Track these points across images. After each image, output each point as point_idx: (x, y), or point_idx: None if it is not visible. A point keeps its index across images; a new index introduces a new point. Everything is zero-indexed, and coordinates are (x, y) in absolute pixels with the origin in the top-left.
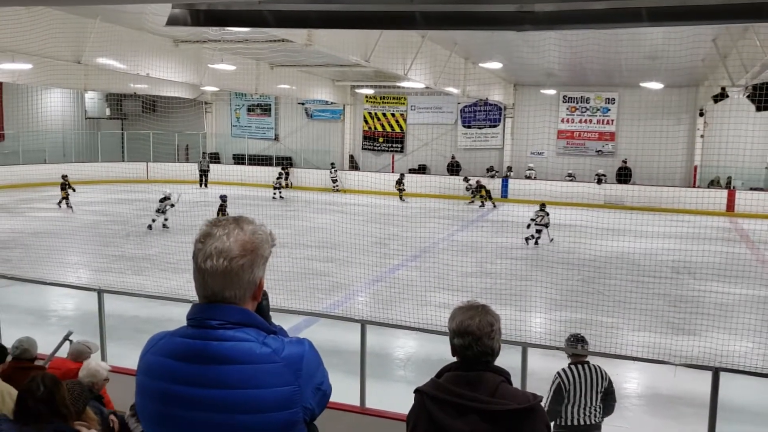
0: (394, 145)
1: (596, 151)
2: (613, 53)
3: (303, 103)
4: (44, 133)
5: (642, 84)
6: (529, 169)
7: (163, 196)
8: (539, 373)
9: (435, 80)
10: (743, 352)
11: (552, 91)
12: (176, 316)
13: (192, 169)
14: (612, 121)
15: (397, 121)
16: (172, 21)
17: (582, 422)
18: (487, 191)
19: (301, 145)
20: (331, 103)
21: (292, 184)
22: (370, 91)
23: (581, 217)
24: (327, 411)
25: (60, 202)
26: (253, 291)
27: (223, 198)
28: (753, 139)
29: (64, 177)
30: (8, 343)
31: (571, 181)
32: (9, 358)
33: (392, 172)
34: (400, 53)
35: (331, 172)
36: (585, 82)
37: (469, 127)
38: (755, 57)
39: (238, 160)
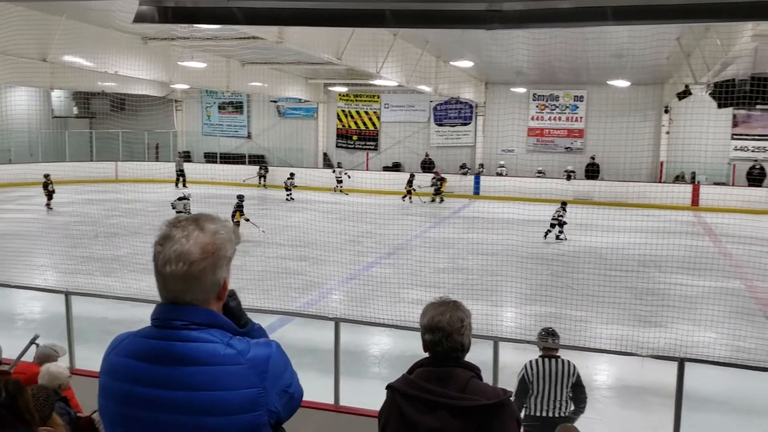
0: (368, 143)
1: (565, 148)
2: (580, 51)
3: (275, 101)
4: (9, 132)
5: (609, 82)
6: (500, 167)
7: (182, 196)
8: (511, 367)
9: (407, 78)
10: (708, 343)
11: (522, 89)
12: (146, 318)
13: (163, 169)
14: (580, 118)
15: (370, 119)
16: (140, 18)
17: (547, 414)
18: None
19: (274, 143)
20: (305, 101)
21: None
22: (343, 89)
23: (551, 213)
24: (300, 410)
25: (48, 203)
26: (216, 292)
27: (240, 198)
28: (716, 135)
29: (47, 176)
30: None
31: (541, 177)
32: None
33: (366, 170)
34: (372, 51)
35: (335, 171)
36: (554, 80)
37: (441, 125)
38: (717, 55)
39: (210, 158)
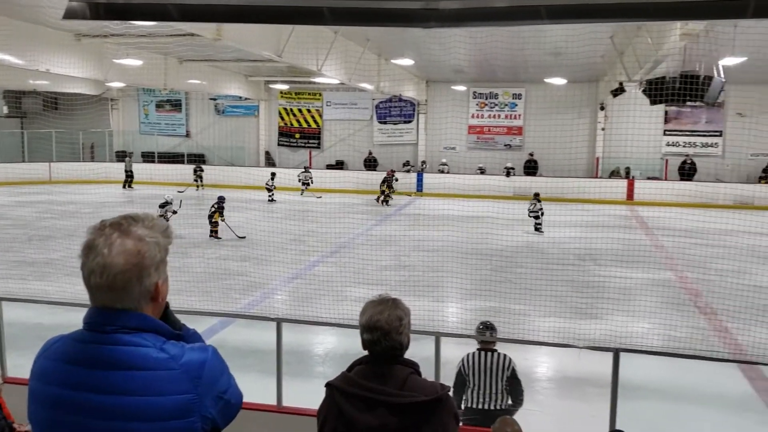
0: (310, 141)
1: (505, 145)
2: (518, 50)
3: (215, 99)
4: None
5: (546, 80)
6: (442, 164)
7: (163, 201)
8: (454, 362)
9: (349, 76)
10: (642, 333)
11: (462, 88)
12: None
13: (98, 169)
14: (519, 115)
15: (313, 117)
16: (70, 14)
17: (486, 407)
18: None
19: (214, 142)
20: (245, 98)
21: (202, 183)
22: (284, 87)
23: (491, 209)
24: (242, 412)
25: None
26: (149, 297)
27: (221, 199)
28: (649, 131)
29: None
30: None
31: (481, 174)
32: None
33: (309, 167)
34: (313, 49)
35: (301, 175)
36: (493, 78)
37: (384, 122)
38: (648, 54)
39: (148, 158)
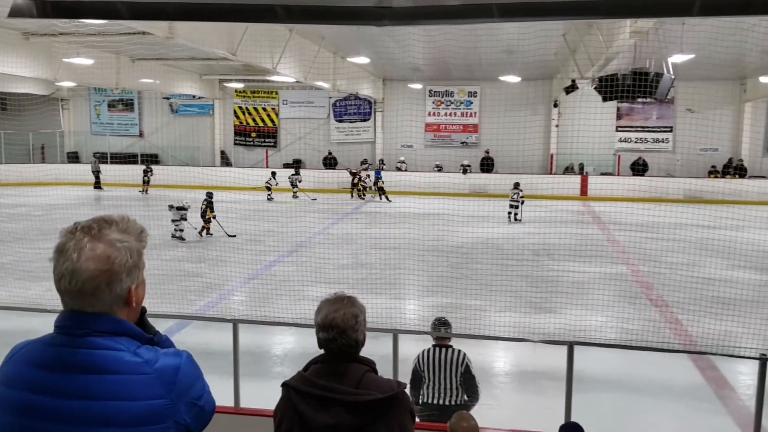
0: (267, 140)
1: (461, 143)
2: (472, 48)
3: (168, 98)
4: None
5: (501, 77)
6: (400, 162)
7: (180, 205)
8: (413, 359)
9: (305, 74)
10: (597, 326)
11: (418, 86)
12: (36, 327)
13: (48, 171)
14: (475, 113)
15: (269, 116)
16: (16, 12)
17: (441, 402)
18: (358, 182)
19: (168, 142)
20: (199, 97)
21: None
22: (239, 85)
23: (448, 206)
24: None
25: None
26: (122, 302)
27: (209, 195)
28: (601, 127)
29: None
30: None
31: (438, 171)
32: None
33: (266, 167)
34: (267, 47)
35: (291, 177)
36: (449, 76)
37: (341, 121)
38: (600, 51)
39: (100, 159)
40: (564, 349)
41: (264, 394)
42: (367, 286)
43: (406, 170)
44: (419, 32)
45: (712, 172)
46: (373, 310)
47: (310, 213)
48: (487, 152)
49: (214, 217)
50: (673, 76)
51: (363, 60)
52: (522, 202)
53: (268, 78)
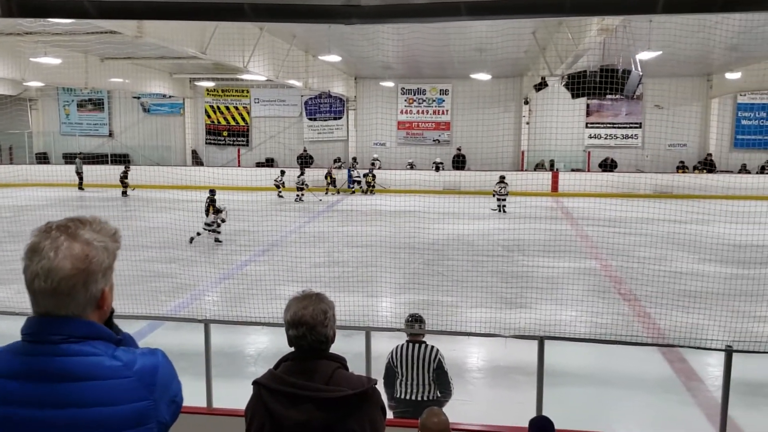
0: (238, 139)
1: (433, 140)
2: (443, 46)
3: (138, 97)
4: None
5: (472, 75)
6: (374, 159)
7: (217, 208)
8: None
9: (276, 73)
10: (569, 320)
11: (390, 84)
12: (4, 331)
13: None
14: (447, 111)
15: (240, 114)
16: None
17: (414, 398)
18: (333, 179)
19: (139, 141)
20: (170, 96)
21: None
22: (210, 84)
23: (422, 203)
24: None
25: None
26: (95, 304)
27: (212, 192)
28: (572, 124)
29: None
30: None
31: (411, 169)
32: None
33: (238, 166)
34: (238, 45)
35: (298, 180)
36: (421, 74)
37: (314, 119)
38: (569, 49)
39: (69, 159)
40: (535, 343)
41: (237, 394)
42: (341, 284)
43: (380, 168)
44: (390, 30)
45: (681, 168)
46: (347, 308)
47: (284, 212)
48: (460, 149)
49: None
50: (641, 73)
51: (335, 58)
52: (506, 194)
53: (239, 76)
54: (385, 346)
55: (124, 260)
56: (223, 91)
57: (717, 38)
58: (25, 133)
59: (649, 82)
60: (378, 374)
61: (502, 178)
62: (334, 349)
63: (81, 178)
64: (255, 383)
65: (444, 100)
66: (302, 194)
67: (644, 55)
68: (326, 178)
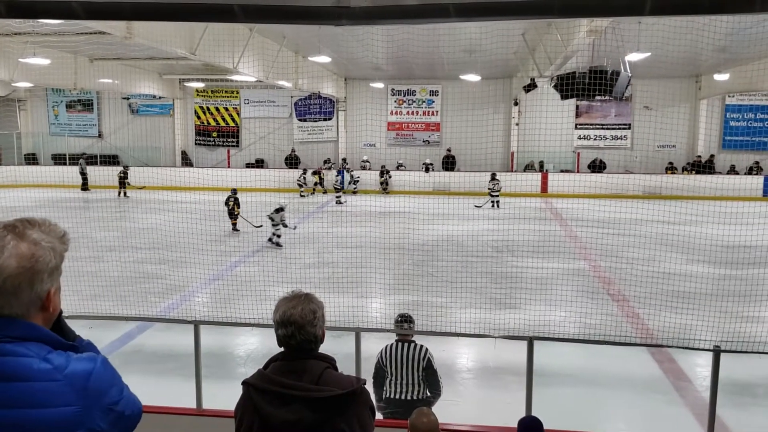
0: (228, 140)
1: (423, 141)
2: (433, 47)
3: (128, 98)
4: None
5: (462, 76)
6: (364, 161)
7: (278, 207)
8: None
9: (266, 74)
10: (558, 321)
11: (380, 85)
12: None
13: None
14: (436, 112)
15: (230, 115)
16: None
17: (403, 397)
18: (321, 179)
19: (129, 142)
20: (159, 97)
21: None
22: (200, 85)
23: (412, 204)
24: (161, 417)
25: None
26: (39, 305)
27: (234, 191)
28: (561, 125)
29: None
30: None
31: (401, 170)
32: None
33: (228, 167)
34: (228, 46)
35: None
36: (410, 75)
37: (304, 120)
38: (558, 50)
39: (58, 160)
40: (525, 344)
41: (227, 395)
42: (331, 285)
43: (369, 169)
44: (380, 32)
45: (670, 169)
46: (337, 309)
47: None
48: (449, 151)
49: (239, 214)
50: (630, 74)
51: (325, 59)
52: (499, 189)
53: (229, 77)
54: (374, 347)
55: (115, 261)
56: (212, 91)
57: (705, 40)
58: (14, 134)
59: (638, 83)
60: (368, 375)
61: (494, 175)
62: (324, 349)
63: (85, 179)
64: (244, 383)
65: (434, 101)
66: (303, 191)
67: (633, 57)
68: (315, 176)
